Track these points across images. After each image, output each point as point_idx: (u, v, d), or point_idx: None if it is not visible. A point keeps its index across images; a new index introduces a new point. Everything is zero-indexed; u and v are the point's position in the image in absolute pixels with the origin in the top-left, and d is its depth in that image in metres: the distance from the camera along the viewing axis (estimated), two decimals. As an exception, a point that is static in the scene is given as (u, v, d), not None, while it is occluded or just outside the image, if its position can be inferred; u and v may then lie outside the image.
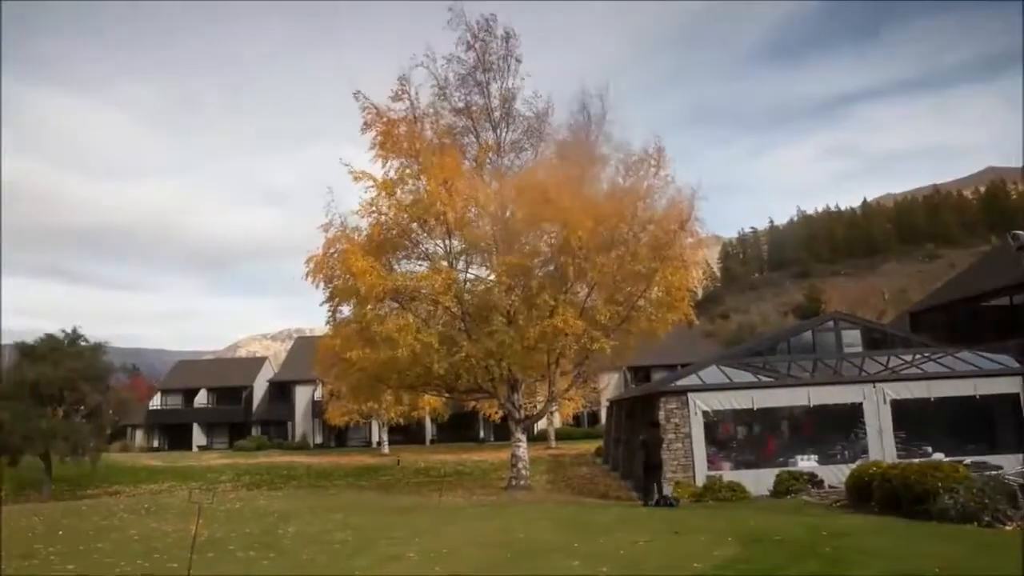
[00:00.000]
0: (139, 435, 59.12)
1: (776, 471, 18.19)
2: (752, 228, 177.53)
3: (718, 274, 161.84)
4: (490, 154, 24.42)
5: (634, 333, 23.40)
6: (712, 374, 20.13)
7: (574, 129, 23.77)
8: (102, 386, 28.21)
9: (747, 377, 19.89)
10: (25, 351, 27.91)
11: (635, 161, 22.48)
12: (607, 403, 40.32)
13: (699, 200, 21.55)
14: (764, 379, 19.77)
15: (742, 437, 20.52)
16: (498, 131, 24.71)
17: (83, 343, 28.77)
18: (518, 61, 24.83)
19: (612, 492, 21.46)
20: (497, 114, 24.68)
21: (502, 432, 45.11)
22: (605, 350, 21.98)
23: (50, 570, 10.73)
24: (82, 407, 27.19)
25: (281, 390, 59.36)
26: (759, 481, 18.14)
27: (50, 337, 28.34)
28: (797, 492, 17.35)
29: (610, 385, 47.96)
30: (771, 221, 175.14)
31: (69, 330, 28.94)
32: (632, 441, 22.17)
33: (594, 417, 52.33)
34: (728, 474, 18.46)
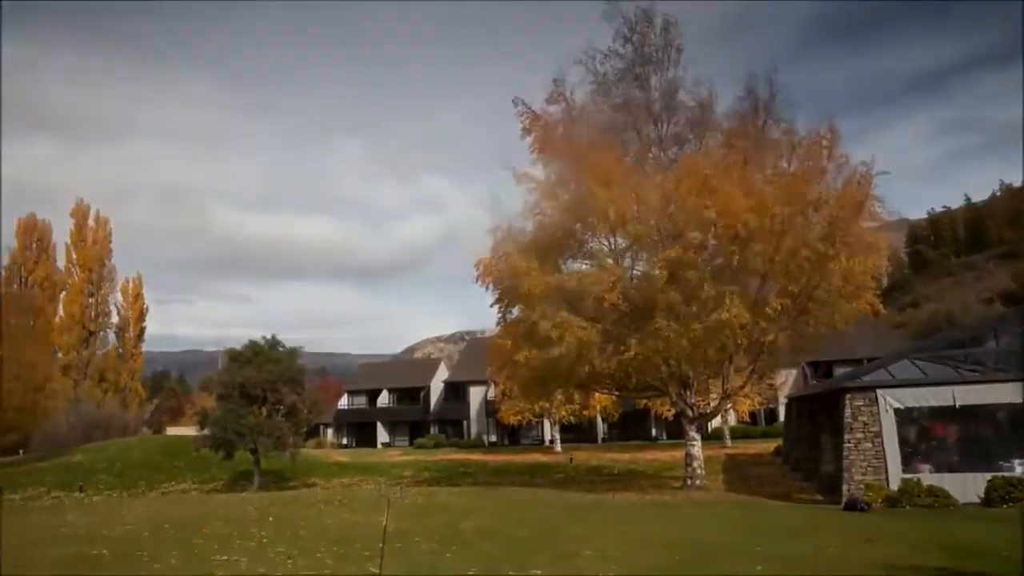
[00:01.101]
0: (330, 433, 63.98)
1: (988, 476, 16.38)
2: (945, 207, 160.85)
3: (905, 259, 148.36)
4: (652, 149, 24.00)
5: (812, 325, 22.05)
6: (904, 369, 18.51)
7: (740, 115, 22.80)
8: (298, 387, 30.75)
9: (946, 372, 18.09)
10: (234, 356, 31.11)
11: (804, 143, 21.21)
12: (785, 401, 38.30)
13: (879, 180, 19.93)
14: (967, 374, 17.88)
15: (944, 437, 18.67)
16: (659, 124, 24.21)
17: (281, 348, 31.52)
18: (679, 51, 24.22)
19: (794, 493, 20.35)
20: (657, 107, 24.18)
21: (674, 430, 44.18)
22: (777, 342, 20.89)
23: (264, 551, 11.90)
24: (281, 406, 29.83)
25: (456, 390, 61.71)
26: (966, 487, 16.43)
27: (253, 343, 31.37)
28: (1016, 500, 15.51)
29: (788, 382, 45.46)
30: (967, 199, 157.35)
31: (269, 337, 31.92)
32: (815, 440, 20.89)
33: (771, 415, 49.87)
34: (928, 478, 16.89)
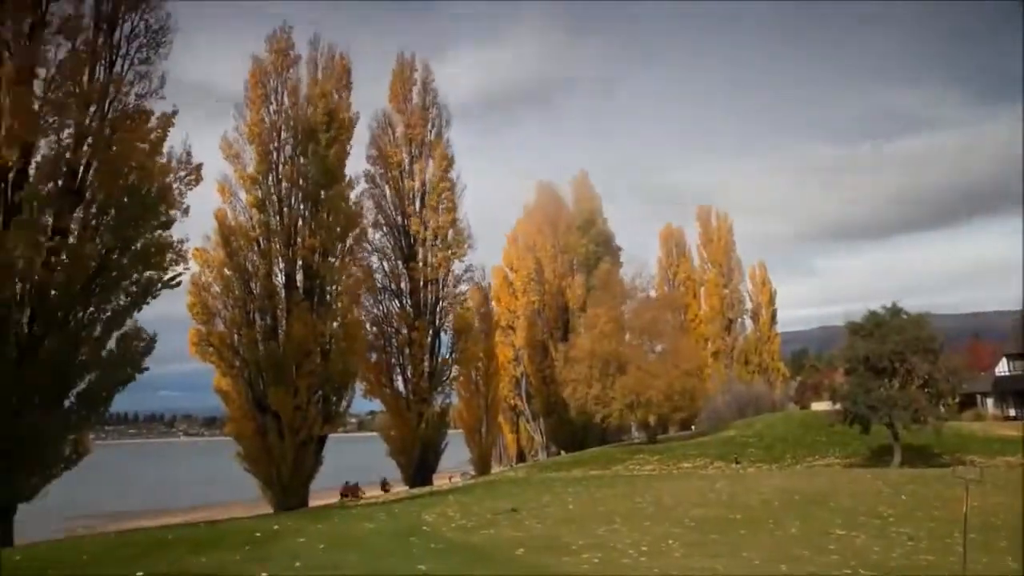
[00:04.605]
0: (989, 403, 55.95)
1: None
2: None
3: None
4: None
5: None
6: None
7: None
8: (931, 356, 28.25)
9: None
10: (854, 329, 30.43)
11: None
12: None
13: None
14: None
15: None
16: None
17: (904, 316, 29.54)
18: None
19: None
20: None
21: None
22: None
23: (886, 530, 11.55)
24: (914, 377, 27.85)
25: None
26: None
27: (873, 314, 30.14)
28: None
29: None
30: None
31: (889, 305, 30.23)
32: None
33: None
34: None
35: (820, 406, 58.37)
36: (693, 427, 57.54)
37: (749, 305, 74.54)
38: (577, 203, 61.48)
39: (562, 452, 51.24)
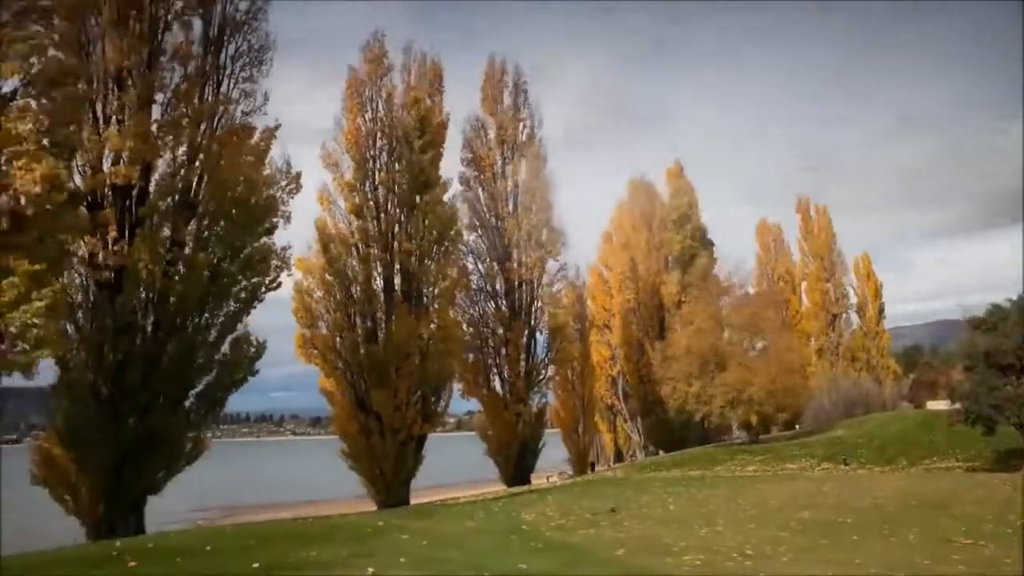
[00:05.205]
0: None
1: None
2: None
3: None
4: None
5: None
6: None
7: None
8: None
9: None
10: (975, 324, 28.32)
11: None
12: None
13: None
14: None
15: None
16: None
17: (1033, 308, 27.31)
18: None
19: None
20: None
21: None
22: None
23: (1020, 542, 10.75)
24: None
25: None
26: None
27: (996, 307, 28.00)
28: None
29: None
30: None
31: (1015, 299, 28.00)
32: None
33: None
34: None
35: (937, 405, 55.02)
36: (797, 427, 55.41)
37: (854, 300, 70.95)
38: (672, 197, 60.08)
39: (660, 452, 50.43)
